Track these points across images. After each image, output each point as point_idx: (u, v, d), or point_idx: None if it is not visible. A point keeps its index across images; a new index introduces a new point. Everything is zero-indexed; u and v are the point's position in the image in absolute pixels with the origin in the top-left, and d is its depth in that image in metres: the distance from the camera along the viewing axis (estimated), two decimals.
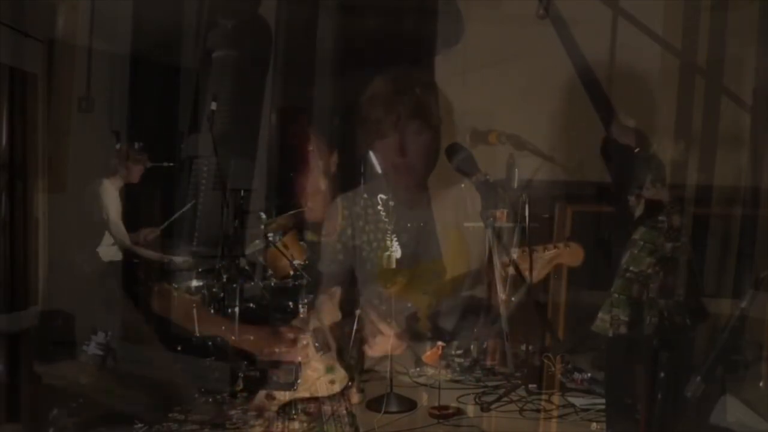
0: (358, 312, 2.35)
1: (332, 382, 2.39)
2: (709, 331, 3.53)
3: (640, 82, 4.68)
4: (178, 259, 4.69)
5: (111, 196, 4.59)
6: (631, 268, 4.23)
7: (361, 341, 2.43)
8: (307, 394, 2.41)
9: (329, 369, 2.40)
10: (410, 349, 2.45)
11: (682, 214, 4.11)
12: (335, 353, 2.43)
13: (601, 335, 4.19)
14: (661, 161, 4.19)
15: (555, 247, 2.24)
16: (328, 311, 2.48)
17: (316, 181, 4.34)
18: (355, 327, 2.34)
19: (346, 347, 2.40)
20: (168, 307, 4.25)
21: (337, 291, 2.51)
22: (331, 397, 2.41)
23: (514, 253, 2.24)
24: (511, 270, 2.22)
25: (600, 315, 4.27)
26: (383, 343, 2.35)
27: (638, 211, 4.22)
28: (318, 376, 2.38)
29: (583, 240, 4.56)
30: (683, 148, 4.30)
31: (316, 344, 2.41)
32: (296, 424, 2.39)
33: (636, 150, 4.37)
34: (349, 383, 2.38)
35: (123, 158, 4.64)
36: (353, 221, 2.43)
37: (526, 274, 2.23)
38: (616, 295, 4.21)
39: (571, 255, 2.27)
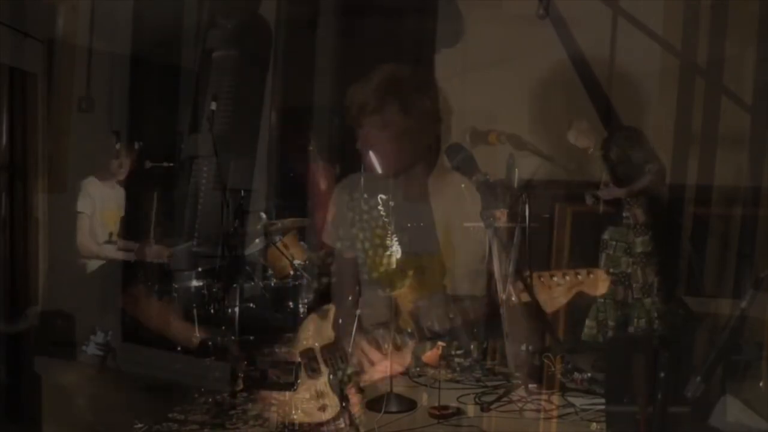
0: (358, 312, 2.31)
1: (323, 408, 2.28)
2: (708, 331, 3.53)
3: (640, 82, 4.67)
4: (152, 254, 4.60)
5: (96, 191, 4.55)
6: (611, 271, 4.24)
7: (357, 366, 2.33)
8: (296, 419, 2.30)
9: (319, 394, 2.27)
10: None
11: (646, 208, 4.11)
12: (326, 378, 2.30)
13: (591, 342, 4.19)
14: (617, 160, 4.19)
15: (576, 273, 2.10)
16: (319, 332, 2.36)
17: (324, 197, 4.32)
18: (355, 327, 2.30)
19: (340, 368, 2.29)
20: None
21: (331, 309, 2.39)
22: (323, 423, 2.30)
23: (528, 278, 2.14)
24: (524, 297, 2.11)
25: (587, 322, 4.27)
26: (374, 372, 2.27)
27: (600, 209, 4.24)
28: (308, 400, 2.27)
29: (583, 240, 4.59)
30: (598, 146, 4.32)
31: (308, 369, 2.26)
32: None
33: (590, 151, 4.40)
34: (344, 404, 2.25)
35: (112, 156, 4.60)
36: (351, 230, 2.40)
37: (542, 302, 2.12)
38: (602, 300, 4.22)
39: (594, 283, 2.12)
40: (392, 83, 2.23)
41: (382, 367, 2.26)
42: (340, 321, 2.39)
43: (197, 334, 4.19)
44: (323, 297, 2.76)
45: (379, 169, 2.26)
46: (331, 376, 2.31)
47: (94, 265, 4.51)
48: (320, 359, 2.35)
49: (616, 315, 4.15)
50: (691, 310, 4.01)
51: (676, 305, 4.10)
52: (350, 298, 2.42)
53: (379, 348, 2.24)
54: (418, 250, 2.34)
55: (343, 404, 2.27)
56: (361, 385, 2.31)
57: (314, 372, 2.34)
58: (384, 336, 2.23)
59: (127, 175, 4.63)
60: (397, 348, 2.22)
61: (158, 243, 4.65)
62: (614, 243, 4.20)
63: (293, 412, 2.34)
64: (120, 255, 4.54)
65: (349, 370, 2.29)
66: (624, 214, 4.17)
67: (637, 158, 4.14)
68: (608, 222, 4.24)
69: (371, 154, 2.23)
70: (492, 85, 4.67)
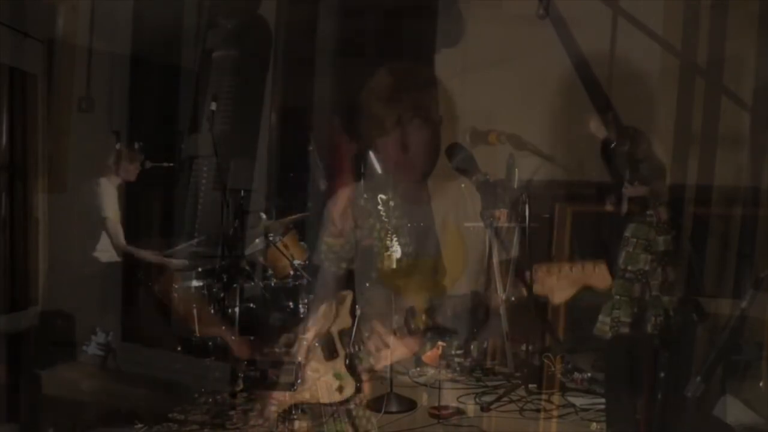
0: (358, 312, 2.32)
1: (340, 389, 2.32)
2: (709, 331, 3.53)
3: (640, 82, 4.67)
4: (176, 262, 4.66)
5: (108, 194, 4.57)
6: (629, 268, 4.22)
7: (366, 350, 2.36)
8: (309, 398, 2.34)
9: (337, 376, 2.32)
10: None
11: (669, 206, 4.10)
12: (343, 360, 2.34)
13: (602, 337, 4.18)
14: (642, 158, 4.19)
15: (583, 267, 2.13)
16: (339, 316, 2.40)
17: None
18: (355, 326, 2.32)
19: (354, 351, 2.34)
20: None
21: (349, 295, 2.43)
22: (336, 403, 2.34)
23: (537, 271, 2.16)
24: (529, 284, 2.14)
25: (600, 318, 4.26)
26: (388, 354, 2.30)
27: (624, 209, 4.22)
28: (323, 380, 2.31)
29: (584, 240, 4.59)
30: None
31: (326, 351, 2.31)
32: (297, 424, 2.36)
33: (612, 145, 4.38)
34: (358, 385, 2.29)
35: (118, 157, 4.63)
36: (362, 219, 2.42)
37: (549, 293, 2.14)
38: (618, 297, 4.20)
39: (599, 277, 2.14)
40: (421, 79, 2.25)
41: (395, 349, 2.29)
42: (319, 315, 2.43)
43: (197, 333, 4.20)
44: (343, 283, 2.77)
45: (415, 171, 2.26)
46: (347, 360, 2.34)
47: (94, 265, 4.52)
48: (338, 342, 2.38)
49: (631, 312, 4.13)
50: (704, 310, 4.01)
51: (691, 305, 4.09)
52: (328, 299, 2.45)
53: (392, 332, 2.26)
54: (418, 251, 2.35)
55: (359, 385, 2.31)
56: (376, 367, 2.34)
57: (332, 354, 2.37)
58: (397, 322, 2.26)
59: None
60: (410, 332, 2.25)
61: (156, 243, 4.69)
62: (635, 240, 4.17)
63: (311, 392, 2.37)
64: (150, 256, 4.60)
65: (362, 355, 2.33)
66: (648, 212, 4.15)
67: (657, 156, 4.14)
68: (628, 220, 4.22)
69: (411, 157, 2.23)
70: (492, 85, 4.67)
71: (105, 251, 4.60)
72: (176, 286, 4.38)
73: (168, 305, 4.22)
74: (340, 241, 2.46)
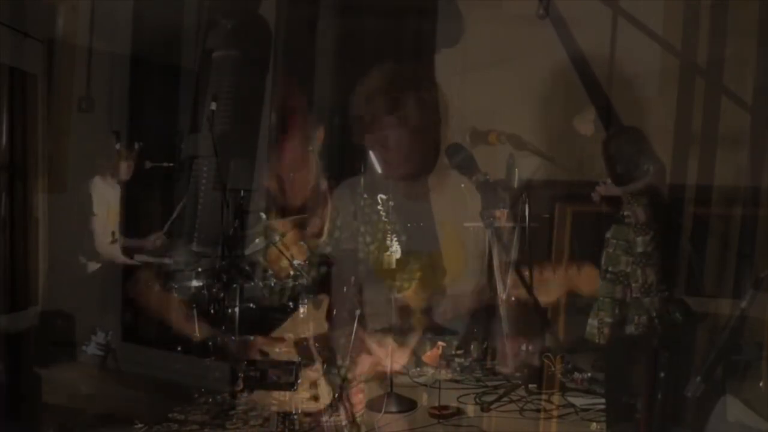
0: (357, 312, 2.31)
1: (315, 398, 2.30)
2: (709, 331, 3.53)
3: (640, 82, 4.67)
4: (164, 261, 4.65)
5: (101, 193, 4.56)
6: (610, 269, 4.24)
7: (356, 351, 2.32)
8: (287, 409, 2.32)
9: (312, 385, 2.30)
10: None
11: (648, 207, 4.11)
12: (320, 368, 2.32)
13: (592, 341, 4.19)
14: (616, 159, 4.19)
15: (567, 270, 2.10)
16: (313, 322, 2.38)
17: (299, 151, 4.32)
18: (355, 327, 2.30)
19: (333, 359, 2.31)
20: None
21: (324, 300, 2.42)
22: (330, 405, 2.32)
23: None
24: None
25: (589, 321, 4.27)
26: (368, 361, 2.27)
27: (603, 208, 4.23)
28: (300, 389, 2.29)
29: (583, 239, 4.59)
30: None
31: (299, 357, 2.29)
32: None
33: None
34: (336, 395, 2.26)
35: (112, 156, 4.62)
36: (346, 222, 2.41)
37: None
38: (601, 298, 4.22)
39: (585, 280, 2.10)
40: (402, 80, 2.25)
41: (382, 363, 2.27)
42: (335, 313, 2.41)
43: (197, 334, 4.19)
44: (320, 287, 2.76)
45: (399, 170, 2.25)
46: (325, 366, 2.33)
47: (94, 265, 4.52)
48: (313, 349, 2.37)
49: (613, 313, 4.15)
50: (691, 309, 4.01)
51: (675, 305, 4.10)
52: (346, 294, 2.43)
53: (382, 346, 2.25)
54: (419, 250, 2.35)
55: (336, 395, 2.28)
56: (361, 379, 2.32)
57: (307, 361, 2.36)
58: (387, 335, 2.24)
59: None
60: (400, 345, 2.24)
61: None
62: (615, 241, 4.20)
63: (284, 404, 2.36)
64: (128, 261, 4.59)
65: (343, 371, 2.31)
66: (625, 213, 4.17)
67: (636, 158, 4.14)
68: (611, 220, 4.23)
69: (390, 155, 2.23)
70: (492, 85, 4.67)
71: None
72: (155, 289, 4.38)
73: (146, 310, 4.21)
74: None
